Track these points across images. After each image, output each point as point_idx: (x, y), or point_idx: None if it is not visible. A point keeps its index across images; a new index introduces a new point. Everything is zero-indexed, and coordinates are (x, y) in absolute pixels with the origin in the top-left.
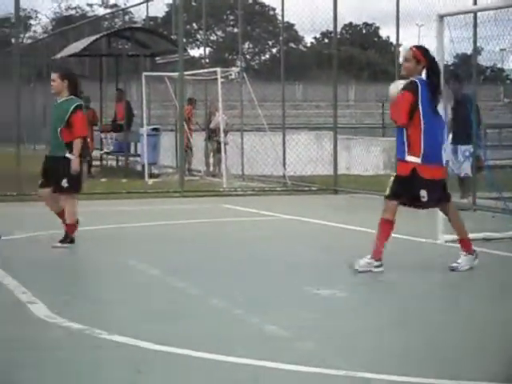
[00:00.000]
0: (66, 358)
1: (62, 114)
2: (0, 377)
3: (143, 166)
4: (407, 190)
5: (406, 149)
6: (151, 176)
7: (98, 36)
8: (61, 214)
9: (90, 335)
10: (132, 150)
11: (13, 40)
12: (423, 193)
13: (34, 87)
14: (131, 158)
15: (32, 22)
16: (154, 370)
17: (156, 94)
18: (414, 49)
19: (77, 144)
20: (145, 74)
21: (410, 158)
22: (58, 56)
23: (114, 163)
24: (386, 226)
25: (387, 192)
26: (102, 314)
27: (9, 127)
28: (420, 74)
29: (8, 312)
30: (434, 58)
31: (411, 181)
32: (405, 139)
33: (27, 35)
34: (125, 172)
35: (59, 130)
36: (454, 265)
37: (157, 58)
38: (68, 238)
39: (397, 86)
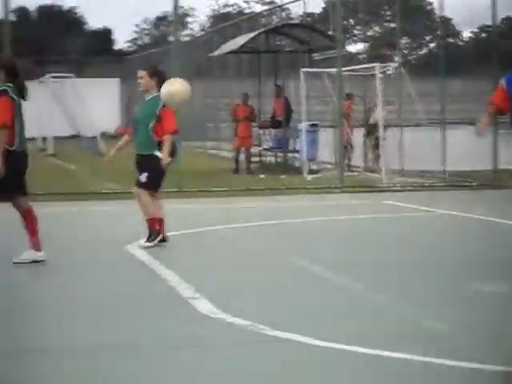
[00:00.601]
0: (230, 354)
1: (153, 111)
2: (165, 373)
3: (302, 162)
4: None
5: None
6: (310, 172)
7: (256, 33)
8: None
9: (252, 331)
10: (291, 146)
11: (171, 38)
12: None
13: (192, 84)
14: (290, 154)
15: (189, 19)
16: (315, 365)
17: (314, 90)
18: None
19: (168, 139)
20: (303, 70)
21: None
22: (216, 53)
23: (272, 159)
24: None
25: None
26: (265, 309)
27: None
28: None
29: (172, 308)
30: None
31: None
32: None
33: (184, 33)
34: (283, 168)
35: (150, 127)
36: None
37: (314, 54)
38: (153, 235)
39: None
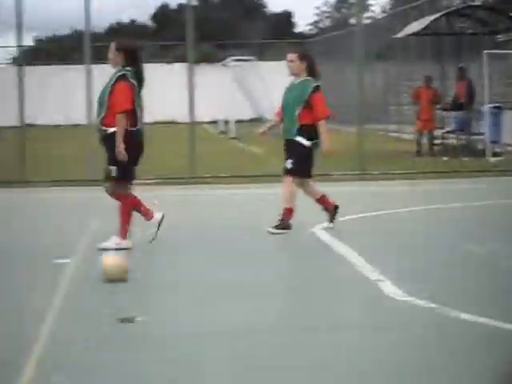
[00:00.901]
0: (415, 338)
1: (301, 95)
2: (357, 354)
3: (485, 145)
4: None
5: None
6: (494, 154)
7: (437, 15)
8: (320, 200)
9: (438, 313)
10: (474, 129)
11: (352, 20)
12: None
13: (374, 67)
14: (472, 137)
15: (371, 1)
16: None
17: (497, 72)
18: None
19: (322, 125)
20: (486, 52)
21: None
22: (398, 35)
23: (455, 142)
24: None
25: None
26: (449, 292)
27: (350, 108)
28: None
29: (359, 291)
30: None
31: None
32: None
33: (366, 15)
34: (466, 151)
35: (297, 111)
36: None
37: (498, 36)
38: (282, 224)
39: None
